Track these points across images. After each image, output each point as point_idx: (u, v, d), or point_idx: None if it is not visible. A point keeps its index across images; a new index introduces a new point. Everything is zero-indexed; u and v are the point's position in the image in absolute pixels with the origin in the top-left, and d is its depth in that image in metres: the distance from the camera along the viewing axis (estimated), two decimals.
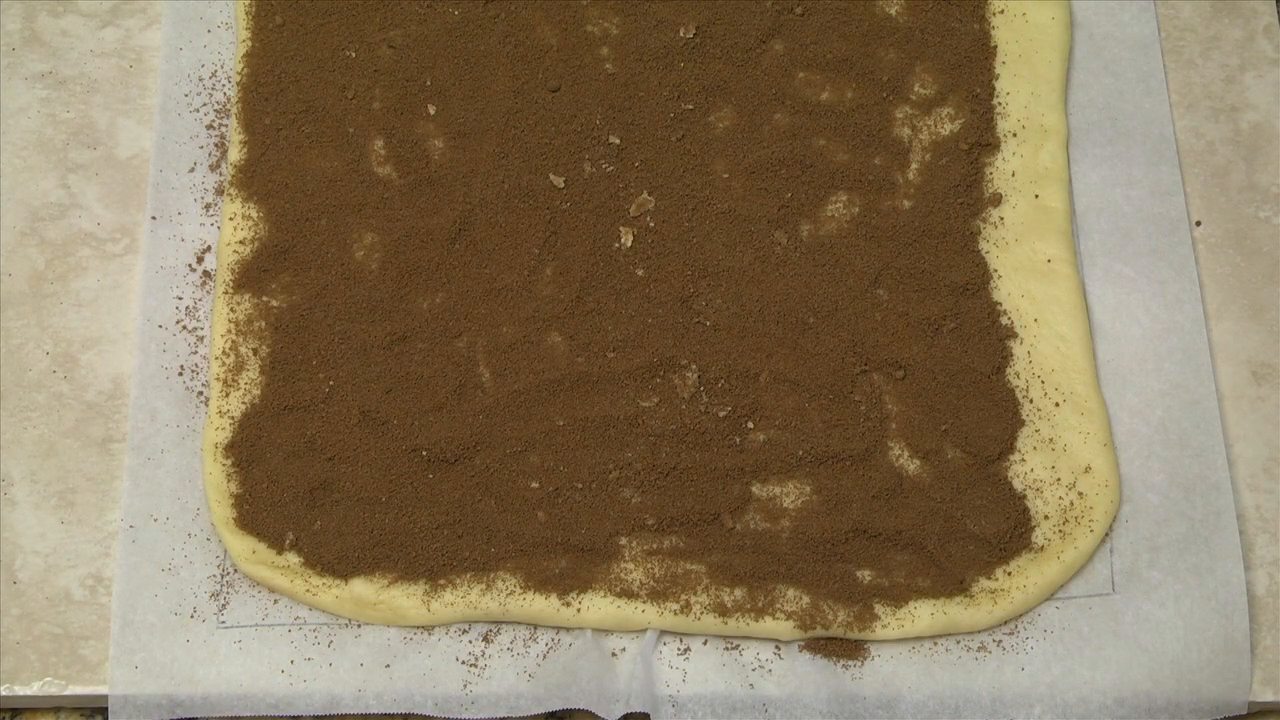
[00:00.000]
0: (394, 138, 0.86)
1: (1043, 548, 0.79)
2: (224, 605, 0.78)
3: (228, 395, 0.81)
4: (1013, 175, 0.86)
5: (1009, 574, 0.78)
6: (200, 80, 0.89)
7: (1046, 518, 0.80)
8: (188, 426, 0.81)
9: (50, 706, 0.79)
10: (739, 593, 0.77)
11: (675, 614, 0.77)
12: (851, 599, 0.77)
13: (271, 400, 0.81)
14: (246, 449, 0.80)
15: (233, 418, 0.80)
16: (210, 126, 0.88)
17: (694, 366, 0.81)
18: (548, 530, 0.78)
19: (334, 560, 0.78)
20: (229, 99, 0.88)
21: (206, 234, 0.85)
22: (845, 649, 0.78)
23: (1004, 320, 0.83)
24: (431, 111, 0.86)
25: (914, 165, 0.86)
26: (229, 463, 0.80)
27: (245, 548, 0.78)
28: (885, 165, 0.86)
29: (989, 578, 0.78)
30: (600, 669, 0.76)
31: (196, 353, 0.83)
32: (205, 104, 0.88)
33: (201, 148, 0.87)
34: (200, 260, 0.85)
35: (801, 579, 0.78)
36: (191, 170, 0.87)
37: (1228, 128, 0.89)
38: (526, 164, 0.85)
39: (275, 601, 0.78)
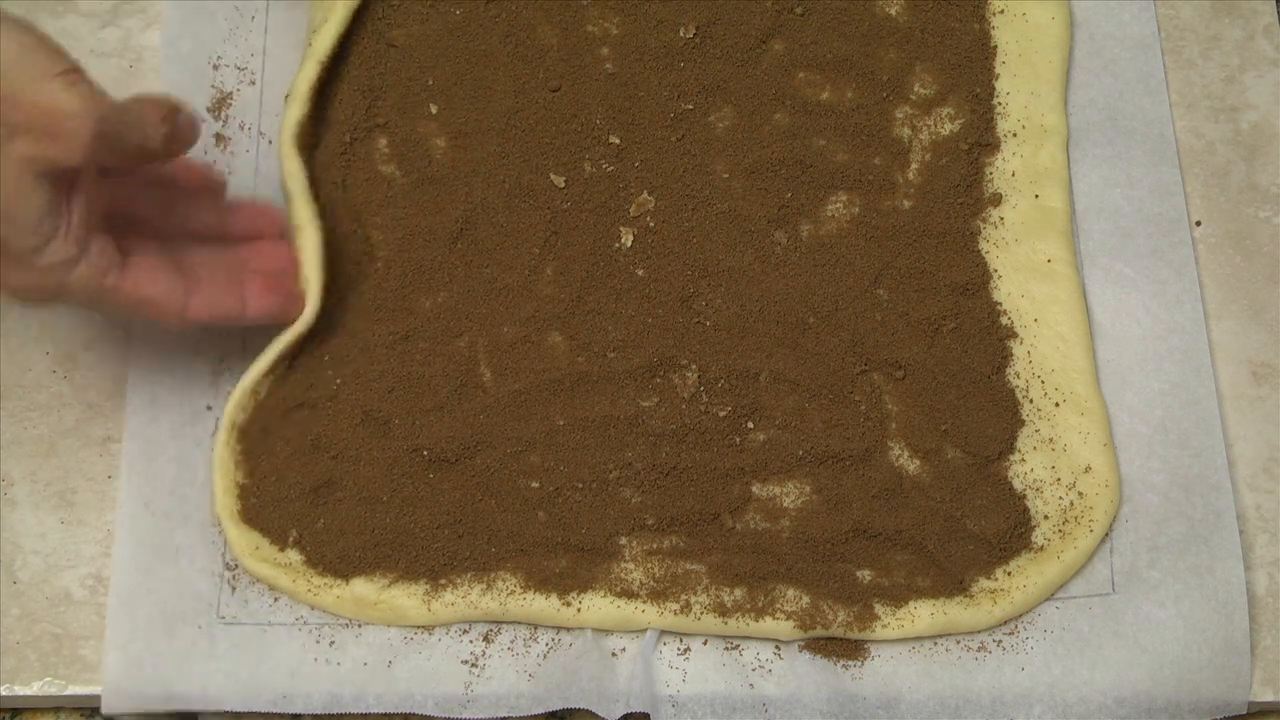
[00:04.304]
0: (396, 137, 0.86)
1: (1043, 548, 0.79)
2: (224, 601, 0.78)
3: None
4: (1013, 175, 0.86)
5: (1009, 574, 0.78)
6: (201, 78, 0.88)
7: (1046, 518, 0.80)
8: (188, 420, 0.81)
9: (50, 706, 0.79)
10: (739, 593, 0.77)
11: (675, 614, 0.77)
12: (851, 599, 0.77)
13: (284, 397, 0.80)
14: (257, 440, 0.80)
15: (258, 399, 0.80)
16: (213, 116, 0.87)
17: (694, 366, 0.81)
18: (548, 530, 0.78)
19: (335, 559, 0.78)
20: (227, 96, 0.88)
21: None
22: (845, 649, 0.78)
23: (1004, 320, 0.83)
24: (433, 111, 0.86)
25: (914, 165, 0.86)
26: (240, 449, 0.79)
27: (249, 543, 0.78)
28: (885, 165, 0.86)
29: (989, 578, 0.78)
30: (600, 669, 0.76)
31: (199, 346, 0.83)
32: (207, 105, 0.88)
33: (202, 147, 0.87)
34: None
35: (801, 579, 0.78)
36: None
37: (1228, 128, 0.89)
38: (527, 164, 0.85)
39: (276, 600, 0.78)
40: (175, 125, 0.69)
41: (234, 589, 0.78)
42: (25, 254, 0.66)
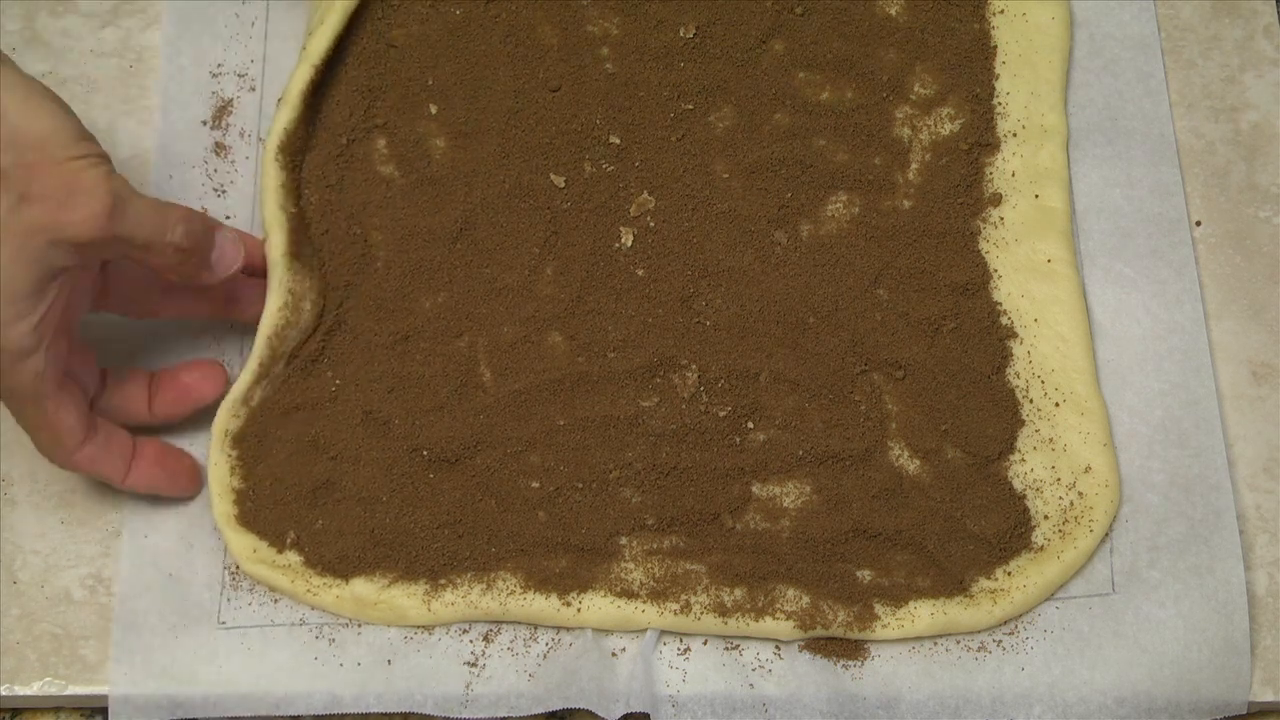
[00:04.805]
0: (395, 137, 0.86)
1: (1043, 548, 0.79)
2: (225, 605, 0.78)
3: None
4: (1013, 175, 0.86)
5: (1009, 574, 0.78)
6: (202, 86, 0.88)
7: (1046, 518, 0.80)
8: (190, 425, 0.81)
9: (50, 706, 0.79)
10: (739, 593, 0.77)
11: (675, 614, 0.77)
12: (851, 599, 0.77)
13: (282, 399, 0.80)
14: (253, 444, 0.80)
15: (250, 407, 0.80)
16: (213, 125, 0.88)
17: (694, 366, 0.81)
18: (548, 530, 0.78)
19: (334, 560, 0.78)
20: (227, 104, 0.88)
21: None
22: (845, 649, 0.78)
23: (1004, 320, 0.83)
24: (433, 111, 0.86)
25: (914, 165, 0.86)
26: (234, 454, 0.79)
27: (246, 546, 0.78)
28: (885, 165, 0.86)
29: (989, 578, 0.78)
30: (600, 669, 0.76)
31: None
32: (207, 115, 0.88)
33: (204, 146, 0.87)
34: None
35: (801, 579, 0.78)
36: (193, 168, 0.87)
37: (1228, 128, 0.89)
38: (527, 164, 0.85)
39: (276, 601, 0.78)
40: (192, 232, 0.71)
41: (235, 594, 0.78)
42: None
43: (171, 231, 0.70)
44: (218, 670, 0.77)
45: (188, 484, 0.79)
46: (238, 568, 0.79)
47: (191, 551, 0.79)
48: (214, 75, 0.89)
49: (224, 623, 0.78)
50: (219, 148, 0.87)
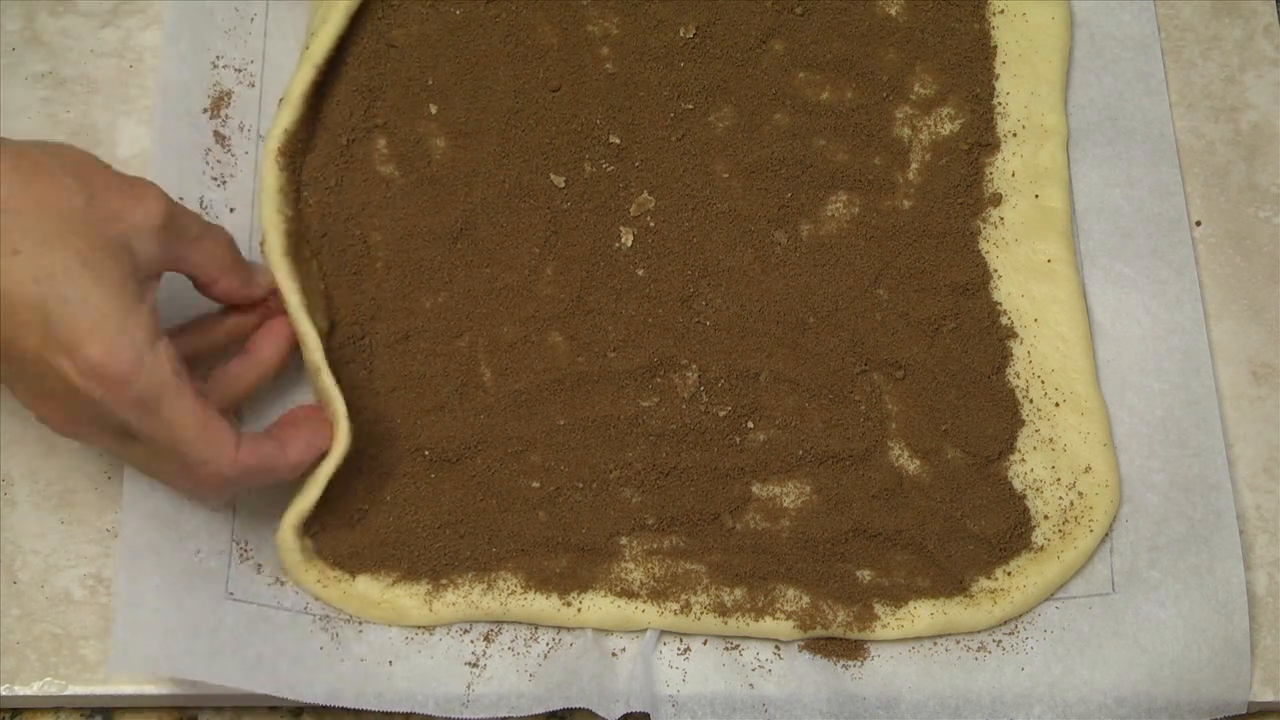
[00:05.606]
0: (395, 137, 0.86)
1: (1042, 548, 0.79)
2: (232, 578, 0.77)
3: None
4: (1013, 175, 0.86)
5: (1009, 574, 0.78)
6: (201, 70, 0.88)
7: (1046, 518, 0.80)
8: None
9: (50, 706, 0.79)
10: (739, 593, 0.77)
11: (675, 614, 0.77)
12: (851, 599, 0.77)
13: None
14: None
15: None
16: (212, 114, 0.87)
17: (694, 366, 0.81)
18: (548, 530, 0.78)
19: (345, 555, 0.78)
20: (227, 94, 0.88)
21: None
22: (845, 649, 0.78)
23: (1004, 320, 0.83)
24: (433, 111, 0.86)
25: (914, 165, 0.86)
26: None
27: (300, 516, 0.76)
28: (885, 165, 0.86)
29: (989, 578, 0.78)
30: (600, 669, 0.76)
31: None
32: (206, 103, 0.88)
33: (204, 135, 0.87)
34: None
35: (801, 579, 0.78)
36: (193, 156, 0.86)
37: (1228, 128, 0.89)
38: (527, 164, 0.85)
39: (282, 585, 0.78)
40: (234, 239, 0.74)
41: (243, 570, 0.77)
42: (104, 319, 0.64)
43: (220, 231, 0.73)
44: (222, 638, 0.75)
45: (330, 429, 0.76)
46: (247, 544, 0.78)
47: (200, 517, 0.78)
48: (214, 67, 0.88)
49: (232, 593, 0.77)
50: (219, 138, 0.87)
